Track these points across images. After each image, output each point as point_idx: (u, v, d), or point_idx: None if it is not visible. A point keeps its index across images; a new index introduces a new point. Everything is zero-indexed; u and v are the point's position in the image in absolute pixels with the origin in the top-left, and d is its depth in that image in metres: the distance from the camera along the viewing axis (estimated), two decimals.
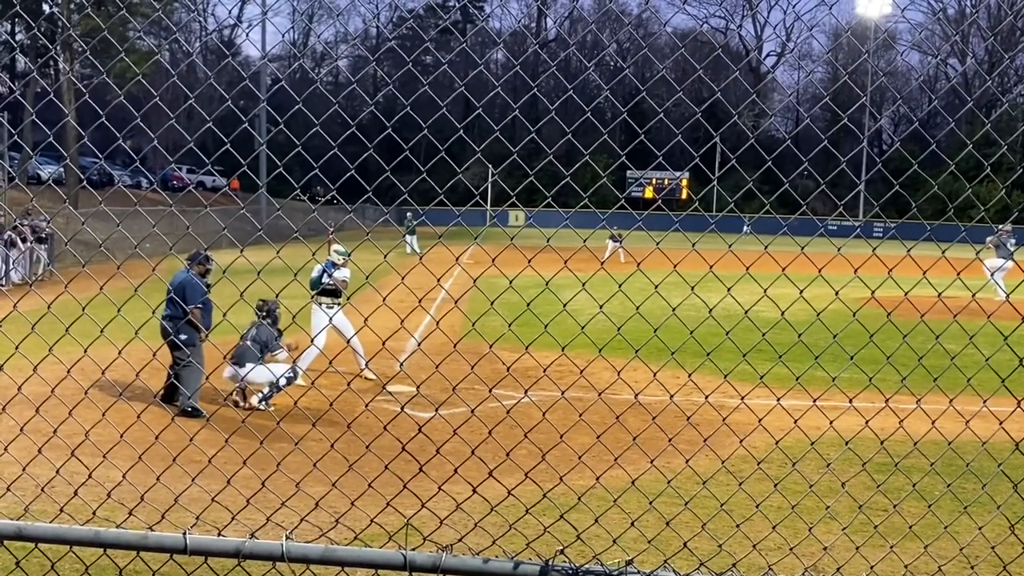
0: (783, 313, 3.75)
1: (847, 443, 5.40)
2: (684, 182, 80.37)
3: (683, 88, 4.16)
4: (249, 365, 10.75)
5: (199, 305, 10.58)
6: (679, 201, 78.97)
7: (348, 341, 11.32)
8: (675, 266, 3.78)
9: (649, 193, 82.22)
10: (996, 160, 4.34)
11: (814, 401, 4.38)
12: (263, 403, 10.80)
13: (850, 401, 4.10)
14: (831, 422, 4.55)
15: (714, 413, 5.11)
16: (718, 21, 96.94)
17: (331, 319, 11.32)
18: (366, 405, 5.41)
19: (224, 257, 6.69)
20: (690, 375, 4.83)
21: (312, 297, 12.43)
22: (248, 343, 10.94)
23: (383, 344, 4.08)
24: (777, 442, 5.01)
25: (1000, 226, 25.87)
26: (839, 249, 3.29)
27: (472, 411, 6.05)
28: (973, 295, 3.96)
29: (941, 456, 6.86)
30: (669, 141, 4.77)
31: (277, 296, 5.35)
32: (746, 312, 3.75)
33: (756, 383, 4.28)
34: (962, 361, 4.44)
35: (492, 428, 5.15)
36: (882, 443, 4.59)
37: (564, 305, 5.43)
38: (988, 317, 4.13)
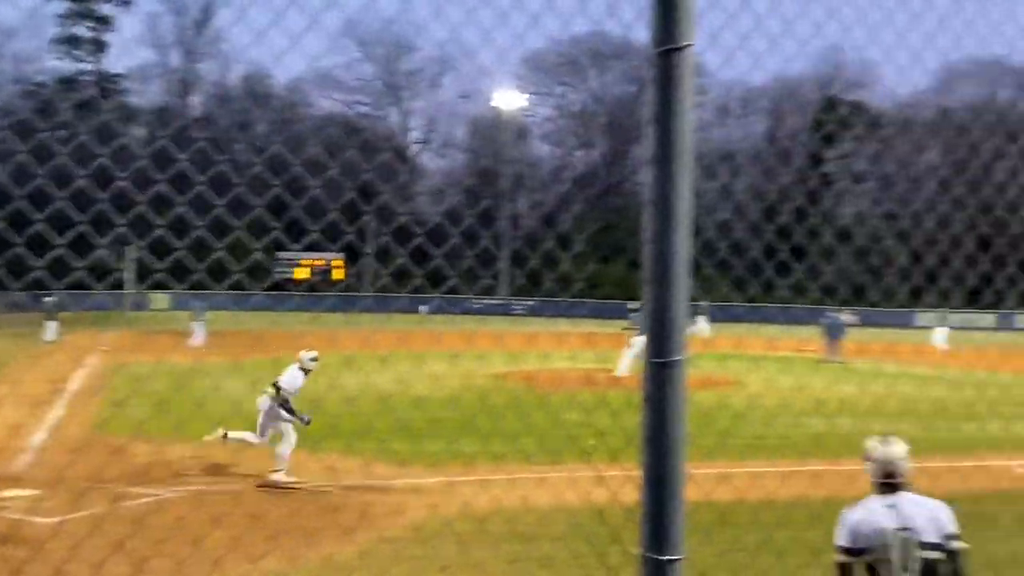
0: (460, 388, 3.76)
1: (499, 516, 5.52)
2: (338, 262, 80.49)
3: (333, 170, 4.12)
4: None
5: None
6: (333, 282, 78.85)
7: None
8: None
9: (301, 274, 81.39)
10: (616, 242, 4.71)
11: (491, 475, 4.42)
12: None
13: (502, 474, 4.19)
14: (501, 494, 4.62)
15: (369, 495, 5.03)
16: (366, 108, 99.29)
17: None
18: None
19: None
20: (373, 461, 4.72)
21: None
22: None
23: None
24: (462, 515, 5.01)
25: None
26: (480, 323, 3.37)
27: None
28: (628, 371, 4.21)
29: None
30: (322, 222, 4.69)
31: None
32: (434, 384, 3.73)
33: (402, 462, 4.26)
34: (579, 431, 4.69)
35: (125, 536, 4.68)
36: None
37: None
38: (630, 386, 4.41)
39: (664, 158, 2.76)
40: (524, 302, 58.91)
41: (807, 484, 3.57)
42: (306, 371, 10.94)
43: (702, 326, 38.26)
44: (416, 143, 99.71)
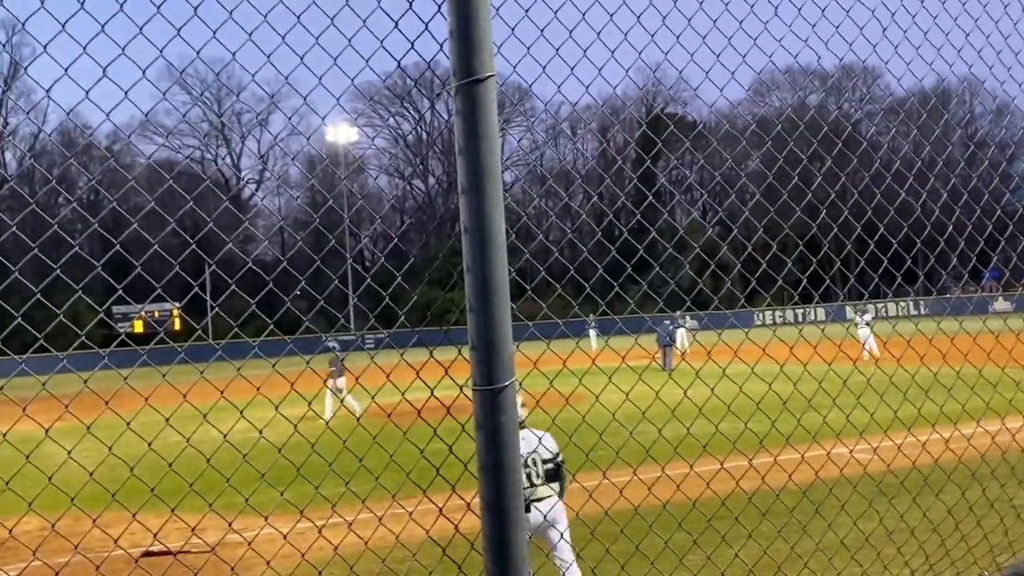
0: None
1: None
2: (175, 312, 77.62)
3: (164, 218, 3.97)
4: None
5: None
6: (173, 332, 75.97)
7: None
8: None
9: (139, 327, 78.13)
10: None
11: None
12: None
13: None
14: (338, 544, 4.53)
15: (229, 551, 4.84)
16: (195, 152, 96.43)
17: None
18: None
19: None
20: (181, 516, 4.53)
21: None
22: None
23: None
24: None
25: None
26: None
27: None
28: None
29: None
30: (156, 274, 4.50)
31: None
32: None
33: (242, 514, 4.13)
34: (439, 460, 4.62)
35: None
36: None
37: None
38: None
39: (474, 187, 2.78)
40: (376, 335, 58.35)
41: (645, 491, 3.68)
42: None
43: (593, 340, 38.82)
44: (250, 182, 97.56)
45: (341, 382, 22.61)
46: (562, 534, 6.84)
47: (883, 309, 52.10)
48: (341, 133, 71.39)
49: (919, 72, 4.39)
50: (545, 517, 6.67)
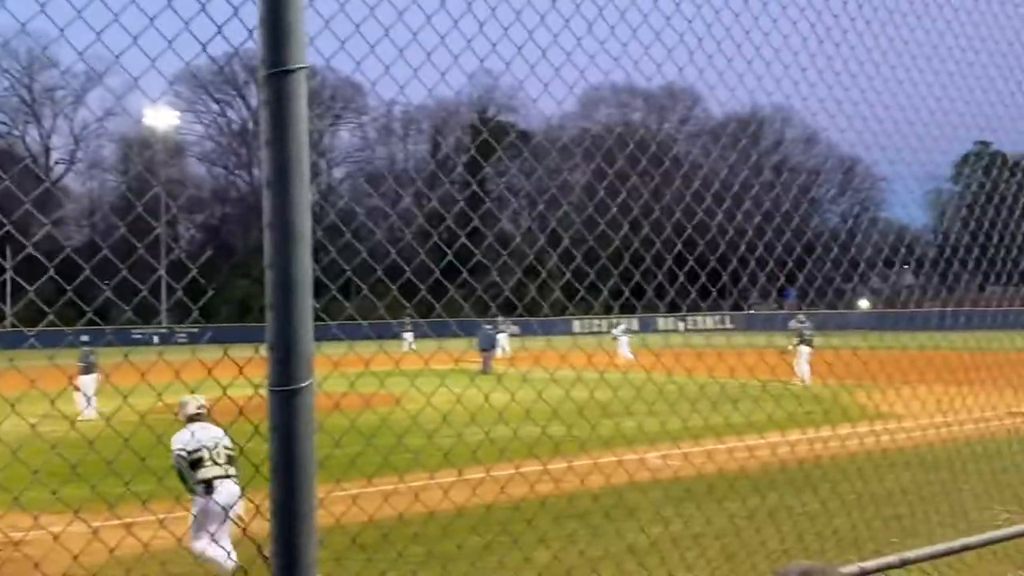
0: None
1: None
2: None
3: None
4: None
5: None
6: None
7: None
8: None
9: None
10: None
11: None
12: None
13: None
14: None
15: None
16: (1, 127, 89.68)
17: None
18: None
19: None
20: None
21: None
22: None
23: None
24: None
25: None
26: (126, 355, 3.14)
27: None
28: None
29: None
30: None
31: None
32: None
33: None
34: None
35: None
36: None
37: None
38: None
39: (280, 181, 2.71)
40: (187, 330, 56.08)
41: (442, 495, 3.67)
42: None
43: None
44: (60, 163, 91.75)
45: (89, 379, 21.23)
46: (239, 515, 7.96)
47: (697, 322, 54.45)
48: (161, 116, 68.29)
49: (738, 98, 4.60)
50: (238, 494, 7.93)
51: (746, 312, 53.09)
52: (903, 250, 7.03)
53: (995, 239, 5.71)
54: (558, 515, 4.52)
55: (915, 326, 6.16)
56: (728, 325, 59.14)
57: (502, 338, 38.61)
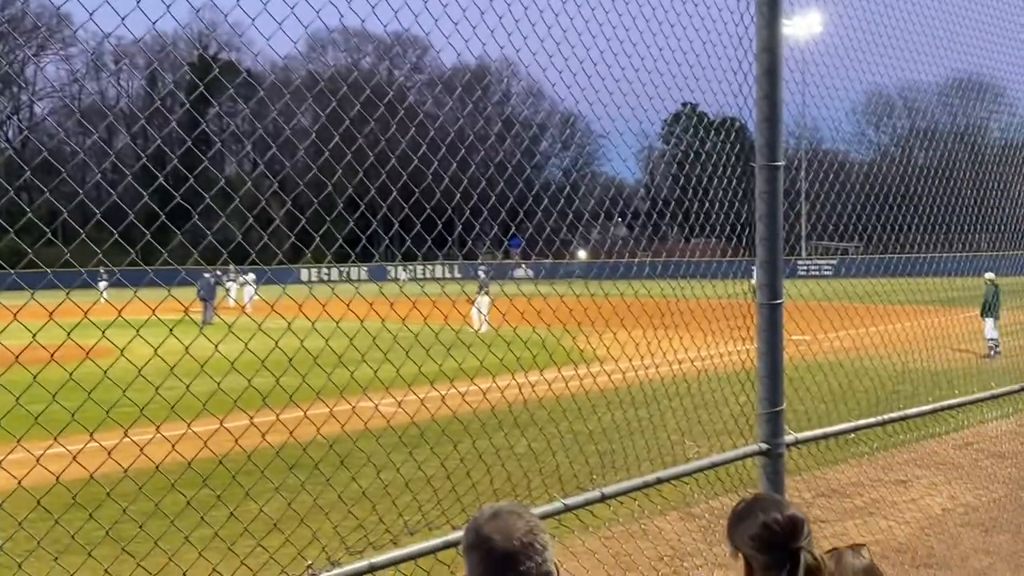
0: None
1: None
2: None
3: None
4: None
5: None
6: None
7: None
8: None
9: None
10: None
11: None
12: None
13: None
14: None
15: None
16: None
17: None
18: None
19: None
20: None
21: None
22: None
23: None
24: None
25: None
26: None
27: None
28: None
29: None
30: None
31: None
32: None
33: None
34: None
35: None
36: None
37: None
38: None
39: None
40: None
41: (169, 448, 3.52)
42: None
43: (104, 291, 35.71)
44: None
45: None
46: None
47: (427, 270, 55.15)
48: None
49: (466, 49, 4.65)
50: None
51: (480, 263, 54.38)
52: (621, 204, 7.50)
53: (699, 195, 6.21)
54: (292, 464, 4.49)
55: (630, 275, 6.60)
56: (457, 275, 60.45)
57: (233, 287, 37.25)
